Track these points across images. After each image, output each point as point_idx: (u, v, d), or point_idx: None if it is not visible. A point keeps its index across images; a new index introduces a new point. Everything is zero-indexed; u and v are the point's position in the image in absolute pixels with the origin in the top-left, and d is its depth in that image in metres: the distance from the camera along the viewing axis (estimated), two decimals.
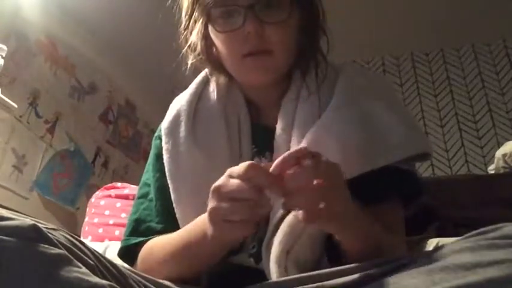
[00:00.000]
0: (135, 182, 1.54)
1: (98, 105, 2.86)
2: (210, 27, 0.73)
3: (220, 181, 0.53)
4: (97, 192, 1.46)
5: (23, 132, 2.22)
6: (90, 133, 2.74)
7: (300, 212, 0.51)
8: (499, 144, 2.34)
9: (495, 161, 1.71)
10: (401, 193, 0.71)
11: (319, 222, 0.53)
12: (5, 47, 1.90)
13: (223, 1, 0.68)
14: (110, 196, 1.41)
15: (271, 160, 0.67)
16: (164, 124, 0.79)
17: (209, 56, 0.77)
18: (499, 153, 1.69)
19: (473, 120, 2.80)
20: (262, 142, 0.72)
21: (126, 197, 1.38)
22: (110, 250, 1.15)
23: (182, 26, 0.77)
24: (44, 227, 0.45)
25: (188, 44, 0.77)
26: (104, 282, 0.43)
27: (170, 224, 0.70)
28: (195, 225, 0.65)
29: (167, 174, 0.74)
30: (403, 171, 0.69)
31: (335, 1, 2.84)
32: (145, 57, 2.83)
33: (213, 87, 0.79)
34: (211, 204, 0.53)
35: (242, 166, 0.52)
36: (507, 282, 0.36)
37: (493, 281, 0.36)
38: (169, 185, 0.73)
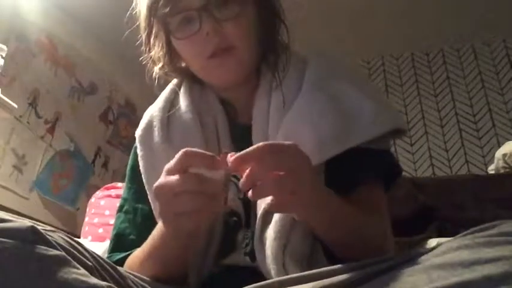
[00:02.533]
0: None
1: (98, 105, 2.86)
2: (172, 38, 0.74)
3: (159, 181, 0.53)
4: (97, 192, 1.46)
5: (23, 132, 2.22)
6: (90, 133, 2.74)
7: (268, 201, 0.54)
8: (499, 144, 2.34)
9: (495, 161, 1.71)
10: (379, 173, 0.72)
11: (285, 210, 0.56)
12: (5, 47, 1.89)
13: (177, 8, 0.69)
14: (110, 196, 1.41)
15: None
16: (138, 132, 0.80)
17: (175, 66, 0.78)
18: (499, 153, 1.69)
19: (473, 120, 2.80)
20: (242, 141, 0.71)
21: None
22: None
23: (143, 43, 0.79)
24: (42, 229, 0.45)
25: (152, 60, 0.79)
26: (103, 283, 0.43)
27: (148, 234, 0.70)
28: (157, 228, 0.65)
29: (144, 181, 0.74)
30: (378, 151, 0.70)
31: (335, 1, 2.85)
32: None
33: (184, 94, 0.80)
34: (159, 205, 0.54)
35: (175, 157, 0.52)
36: (504, 279, 0.36)
37: (490, 278, 0.36)
38: (147, 192, 0.73)
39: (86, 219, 1.40)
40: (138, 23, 0.79)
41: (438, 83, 2.97)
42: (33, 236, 0.44)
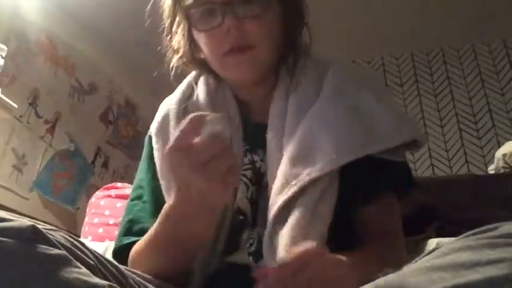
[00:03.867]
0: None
1: (98, 105, 2.86)
2: (193, 29, 0.74)
3: (177, 148, 0.51)
4: (97, 192, 1.46)
5: (23, 132, 2.22)
6: (90, 133, 2.74)
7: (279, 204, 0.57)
8: (499, 144, 2.34)
9: (495, 161, 1.71)
10: (395, 185, 0.72)
11: None
12: (5, 47, 1.89)
13: (202, 0, 0.70)
14: (110, 196, 1.41)
15: (264, 157, 0.71)
16: (153, 124, 0.79)
17: (194, 57, 0.78)
18: (499, 153, 1.69)
19: (473, 120, 2.80)
20: (254, 139, 0.72)
21: (126, 197, 1.37)
22: (110, 250, 1.14)
23: (165, 32, 0.79)
24: (43, 228, 0.45)
25: (172, 48, 0.79)
26: (104, 282, 0.43)
27: None
28: (165, 212, 0.64)
29: (158, 173, 0.74)
30: (395, 163, 0.70)
31: (335, 1, 2.85)
32: (146, 57, 2.83)
33: (201, 87, 0.79)
34: (181, 178, 0.53)
35: (182, 123, 0.52)
36: (507, 281, 0.35)
37: (492, 280, 0.36)
38: (161, 184, 0.73)
39: (86, 219, 1.40)
40: (161, 11, 0.80)
41: (438, 83, 2.97)
42: (34, 235, 0.44)
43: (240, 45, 0.70)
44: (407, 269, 0.42)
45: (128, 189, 1.41)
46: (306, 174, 0.63)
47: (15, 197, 2.13)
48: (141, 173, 0.81)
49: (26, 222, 0.45)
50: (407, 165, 0.76)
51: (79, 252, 0.46)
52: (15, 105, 1.98)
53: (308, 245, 0.55)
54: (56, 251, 0.43)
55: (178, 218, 0.61)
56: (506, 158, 1.62)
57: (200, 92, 0.79)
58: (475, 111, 2.82)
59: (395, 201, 0.72)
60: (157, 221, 0.65)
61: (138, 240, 0.71)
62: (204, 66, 0.79)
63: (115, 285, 0.46)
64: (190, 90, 0.81)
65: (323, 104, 0.70)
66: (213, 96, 0.77)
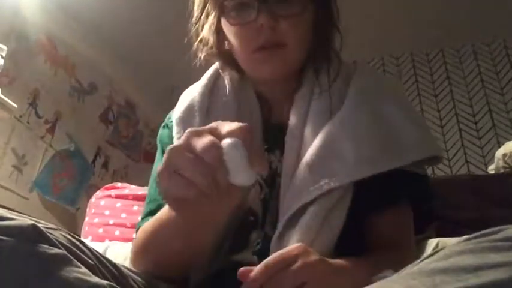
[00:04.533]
0: (135, 182, 1.54)
1: (98, 105, 2.86)
2: (223, 21, 0.72)
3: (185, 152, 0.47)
4: (97, 192, 1.46)
5: (23, 132, 2.22)
6: (90, 133, 2.74)
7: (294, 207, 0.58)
8: (499, 144, 2.34)
9: (495, 161, 1.71)
10: (412, 197, 0.70)
11: None
12: (5, 47, 1.90)
13: None
14: (110, 196, 1.40)
15: (280, 158, 0.69)
16: (176, 114, 0.76)
17: (221, 50, 0.76)
18: (499, 153, 1.69)
19: (473, 120, 2.80)
20: (273, 139, 0.71)
21: (126, 197, 1.38)
22: (110, 250, 1.14)
23: (194, 19, 0.77)
24: (44, 227, 0.45)
25: (200, 38, 0.77)
26: (104, 282, 0.43)
27: None
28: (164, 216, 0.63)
29: None
30: (414, 175, 0.68)
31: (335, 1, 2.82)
32: (146, 57, 2.83)
33: (224, 82, 0.78)
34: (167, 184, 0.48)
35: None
36: (510, 286, 0.35)
37: (495, 284, 0.35)
38: None
39: (86, 219, 1.40)
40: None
41: (438, 83, 2.97)
42: (34, 234, 0.44)
43: (271, 43, 0.68)
44: (408, 270, 0.42)
45: (128, 189, 1.41)
46: (324, 183, 0.62)
47: (15, 197, 2.13)
48: (159, 157, 0.79)
49: (26, 221, 0.44)
50: (427, 178, 0.74)
51: (79, 252, 0.46)
52: (15, 105, 1.98)
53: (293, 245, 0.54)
54: (56, 250, 0.43)
55: (175, 229, 0.60)
56: (506, 158, 1.62)
57: (223, 88, 0.77)
58: (475, 111, 2.82)
59: (410, 215, 0.71)
60: (158, 219, 0.64)
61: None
62: (229, 60, 0.77)
63: (115, 285, 0.46)
64: (212, 83, 0.79)
65: (346, 111, 0.69)
66: (237, 93, 0.76)
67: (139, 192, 1.36)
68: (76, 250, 0.46)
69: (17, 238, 0.42)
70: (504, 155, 1.64)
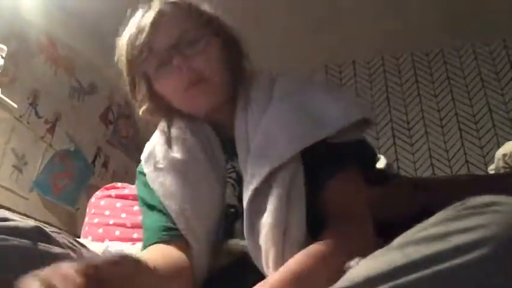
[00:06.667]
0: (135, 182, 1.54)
1: (98, 105, 2.86)
2: (154, 83, 0.84)
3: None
4: (97, 192, 1.46)
5: (23, 132, 2.22)
6: (90, 133, 2.74)
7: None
8: (499, 144, 2.34)
9: (495, 161, 1.71)
10: (352, 163, 0.77)
11: None
12: (5, 47, 1.90)
13: (151, 53, 0.80)
14: (110, 196, 1.40)
15: (237, 162, 0.80)
16: (143, 156, 0.89)
17: (159, 105, 0.87)
18: (499, 153, 1.69)
19: (473, 120, 2.80)
20: (230, 150, 0.83)
21: (126, 197, 1.38)
22: (110, 250, 1.14)
23: (128, 88, 0.90)
24: (48, 230, 0.48)
25: (139, 101, 0.90)
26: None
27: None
28: None
29: (158, 193, 0.81)
30: (349, 143, 0.76)
31: (335, 1, 2.84)
32: None
33: (177, 123, 0.89)
34: None
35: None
36: (475, 247, 0.39)
37: (460, 247, 0.40)
38: (166, 205, 0.79)
39: (86, 219, 1.39)
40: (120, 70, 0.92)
41: (438, 83, 2.97)
42: (38, 235, 0.47)
43: (194, 80, 0.79)
44: (382, 249, 0.47)
45: (128, 189, 1.41)
46: (266, 166, 0.72)
47: (15, 197, 2.13)
48: (142, 202, 0.88)
49: (30, 222, 0.47)
50: (363, 142, 0.84)
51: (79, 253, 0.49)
52: (15, 105, 1.98)
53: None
54: (58, 250, 0.47)
55: None
56: (506, 158, 1.63)
57: (179, 125, 0.88)
58: (475, 111, 2.82)
59: (357, 181, 0.77)
60: None
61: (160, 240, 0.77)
62: (170, 111, 0.88)
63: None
64: (167, 128, 0.90)
65: (274, 107, 0.79)
66: (191, 126, 0.87)
67: None
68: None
69: (22, 238, 0.45)
70: (504, 155, 1.64)
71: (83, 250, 0.55)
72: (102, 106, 2.89)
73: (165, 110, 0.88)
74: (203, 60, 0.79)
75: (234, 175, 0.81)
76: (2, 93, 1.90)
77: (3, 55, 1.88)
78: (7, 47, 1.92)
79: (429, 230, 0.44)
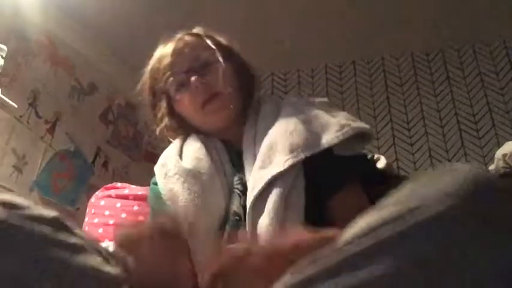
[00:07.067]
0: (135, 182, 1.54)
1: (98, 105, 2.86)
2: (173, 102, 0.95)
3: None
4: (97, 193, 1.46)
5: (23, 132, 2.22)
6: (90, 133, 2.74)
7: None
8: (499, 144, 2.34)
9: (495, 161, 1.71)
10: (353, 176, 0.84)
11: None
12: (5, 47, 1.90)
13: (172, 74, 0.92)
14: (110, 196, 1.41)
15: (244, 174, 0.87)
16: (156, 166, 0.95)
17: (177, 122, 0.98)
18: (499, 153, 1.69)
19: (473, 120, 2.80)
20: (238, 162, 0.90)
21: (126, 197, 1.38)
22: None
23: (149, 107, 1.00)
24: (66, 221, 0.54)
25: (158, 119, 0.99)
26: (115, 270, 0.52)
27: None
28: None
29: (165, 197, 0.88)
30: (350, 157, 0.83)
31: (335, 1, 2.84)
32: (146, 57, 2.83)
33: (191, 137, 0.97)
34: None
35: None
36: (438, 201, 0.42)
37: (425, 202, 0.42)
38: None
39: (86, 219, 1.40)
40: (140, 89, 1.04)
41: (438, 83, 2.97)
42: (57, 224, 0.52)
43: (209, 96, 0.90)
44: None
45: (128, 189, 1.41)
46: (268, 174, 0.79)
47: None
48: (153, 214, 0.97)
49: (50, 212, 0.54)
50: (364, 157, 0.93)
51: (94, 245, 0.54)
52: (15, 105, 1.98)
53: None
54: (75, 239, 0.52)
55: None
56: (506, 158, 1.62)
57: (192, 139, 0.96)
58: (475, 111, 2.82)
59: (360, 196, 0.83)
60: None
61: None
62: (187, 127, 0.98)
63: (124, 273, 0.53)
64: (182, 141, 0.98)
65: (279, 122, 0.88)
66: (203, 140, 0.95)
67: (140, 192, 1.36)
68: (91, 242, 0.54)
69: (43, 225, 0.51)
70: (504, 155, 1.64)
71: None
72: (102, 106, 2.89)
73: (183, 127, 0.98)
74: (215, 77, 0.91)
75: (240, 186, 0.87)
76: (2, 93, 1.91)
77: (3, 55, 1.88)
78: (7, 47, 1.92)
79: (402, 190, 0.47)
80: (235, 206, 0.85)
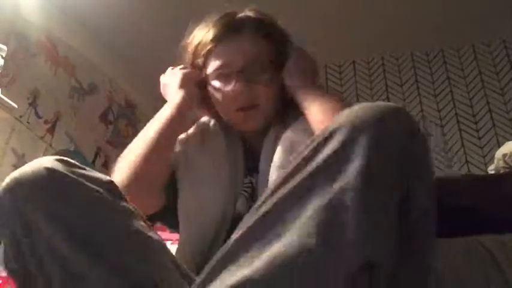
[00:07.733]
0: None
1: (98, 105, 2.86)
2: (208, 81, 0.90)
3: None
4: None
5: (23, 132, 2.22)
6: (90, 133, 2.74)
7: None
8: (499, 144, 2.34)
9: (495, 161, 1.71)
10: None
11: None
12: (5, 47, 1.89)
13: (220, 66, 0.87)
14: None
15: (257, 181, 0.87)
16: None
17: (207, 106, 0.94)
18: (499, 153, 1.69)
19: (473, 120, 2.80)
20: (253, 166, 0.88)
21: None
22: None
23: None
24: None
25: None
26: (157, 234, 0.60)
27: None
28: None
29: (180, 166, 0.87)
30: None
31: (335, 1, 2.84)
32: (146, 57, 2.83)
33: (214, 123, 0.95)
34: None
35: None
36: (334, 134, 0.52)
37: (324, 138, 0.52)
38: (178, 174, 0.87)
39: None
40: (188, 42, 0.96)
41: (438, 83, 2.97)
42: (113, 188, 0.60)
43: (247, 105, 0.86)
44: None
45: None
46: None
47: None
48: None
49: (105, 176, 0.61)
50: None
51: (138, 210, 0.62)
52: (15, 105, 1.98)
53: None
54: (126, 205, 0.59)
55: (176, 116, 0.85)
56: (506, 158, 1.62)
57: (214, 125, 0.94)
58: (475, 111, 2.82)
59: None
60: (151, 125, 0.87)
61: None
62: (214, 113, 0.95)
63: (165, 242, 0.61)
64: (202, 125, 0.96)
65: (297, 123, 0.86)
66: (225, 133, 0.92)
67: None
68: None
69: (102, 188, 0.57)
70: (504, 155, 1.64)
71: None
72: (102, 106, 2.89)
73: (210, 108, 0.94)
74: (262, 92, 0.86)
75: (249, 190, 0.86)
76: (2, 93, 1.90)
77: (3, 55, 1.88)
78: (7, 47, 1.92)
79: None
80: (239, 206, 0.84)
